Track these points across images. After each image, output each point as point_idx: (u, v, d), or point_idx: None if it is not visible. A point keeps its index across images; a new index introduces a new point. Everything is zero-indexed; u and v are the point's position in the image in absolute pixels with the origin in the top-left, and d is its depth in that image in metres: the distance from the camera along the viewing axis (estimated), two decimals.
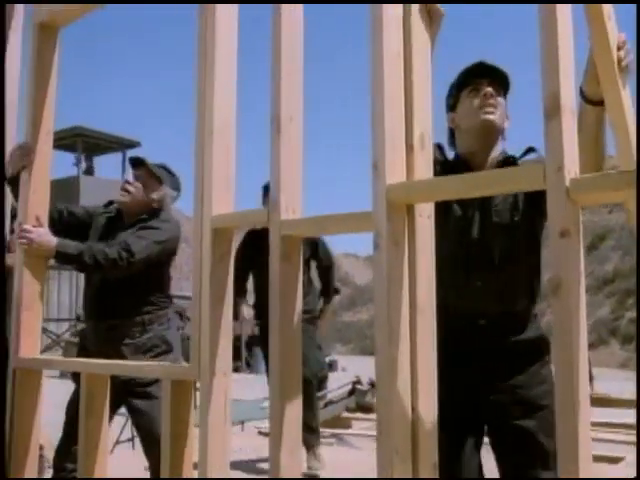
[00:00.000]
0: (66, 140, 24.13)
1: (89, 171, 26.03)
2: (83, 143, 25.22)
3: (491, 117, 2.16)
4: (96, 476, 2.34)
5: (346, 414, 7.82)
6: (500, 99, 2.20)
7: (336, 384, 9.09)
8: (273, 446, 1.79)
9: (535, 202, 2.05)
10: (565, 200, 1.29)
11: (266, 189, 4.43)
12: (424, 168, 1.68)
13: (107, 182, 22.25)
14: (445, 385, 1.68)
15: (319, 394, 8.24)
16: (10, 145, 2.76)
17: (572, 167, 1.31)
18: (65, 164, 27.46)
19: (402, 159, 1.64)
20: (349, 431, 7.06)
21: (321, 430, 6.18)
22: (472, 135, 2.21)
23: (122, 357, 3.10)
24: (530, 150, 2.20)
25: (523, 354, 2.16)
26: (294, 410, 1.82)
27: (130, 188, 3.29)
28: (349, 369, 16.49)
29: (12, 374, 2.59)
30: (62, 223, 3.24)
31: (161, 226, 3.27)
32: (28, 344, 2.59)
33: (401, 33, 1.69)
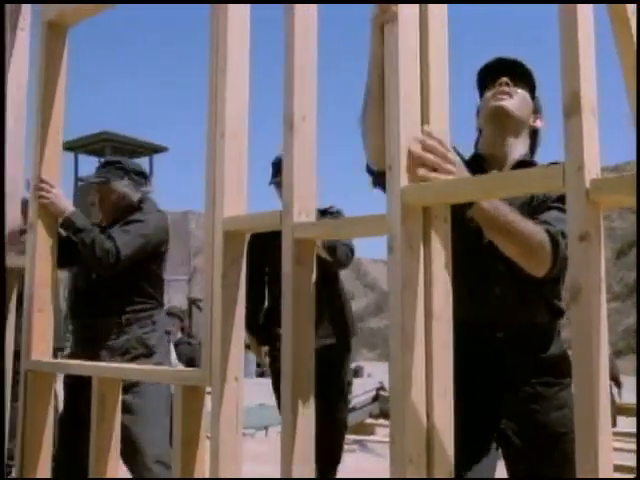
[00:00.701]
0: (94, 145, 24.37)
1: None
2: (111, 148, 25.43)
3: (501, 103, 2.02)
4: None
5: (369, 420, 7.76)
6: (519, 90, 2.06)
7: (361, 390, 9.02)
8: (285, 459, 1.74)
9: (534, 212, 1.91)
10: (585, 202, 1.23)
11: (275, 166, 3.82)
12: None
13: None
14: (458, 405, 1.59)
15: None
16: (16, 151, 2.76)
17: (593, 167, 1.25)
18: (92, 169, 27.65)
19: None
20: (372, 437, 7.01)
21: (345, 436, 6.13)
22: (486, 127, 2.10)
23: (99, 359, 2.97)
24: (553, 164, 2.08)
25: (544, 374, 2.02)
26: (307, 420, 1.77)
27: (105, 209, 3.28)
28: (375, 375, 16.42)
29: (24, 377, 2.57)
30: None
31: (144, 218, 3.16)
32: (40, 347, 2.57)
33: (417, 30, 1.64)
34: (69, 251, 3.00)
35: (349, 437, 6.32)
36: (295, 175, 1.79)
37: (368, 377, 16.63)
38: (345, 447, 5.69)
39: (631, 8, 1.59)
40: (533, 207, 1.92)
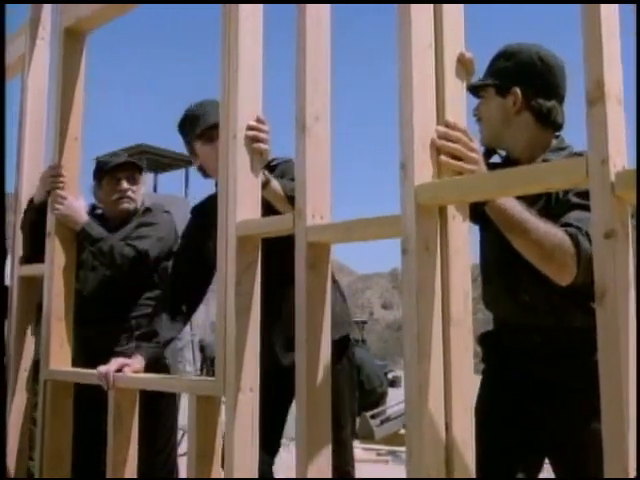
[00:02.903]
0: (132, 158, 24.62)
1: (153, 188, 26.50)
2: (147, 160, 25.64)
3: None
4: None
5: (404, 431, 7.64)
6: (482, 104, 1.97)
7: (395, 400, 8.90)
8: (300, 471, 1.67)
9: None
10: (610, 196, 1.14)
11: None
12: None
13: (168, 198, 22.52)
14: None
15: (377, 410, 8.09)
16: (35, 156, 2.72)
17: (618, 159, 1.16)
18: None
19: (434, 158, 1.51)
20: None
21: (378, 447, 6.03)
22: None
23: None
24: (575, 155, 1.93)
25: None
26: (323, 431, 1.69)
27: (133, 195, 3.02)
28: None
29: (43, 386, 2.54)
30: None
31: (157, 220, 3.01)
32: (59, 355, 2.53)
33: (432, 23, 1.56)
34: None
35: (383, 448, 6.22)
36: (308, 177, 1.72)
37: None
38: (378, 458, 5.60)
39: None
40: (553, 208, 1.81)
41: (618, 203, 1.15)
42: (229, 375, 1.88)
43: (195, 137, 2.45)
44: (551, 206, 1.83)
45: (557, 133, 2.00)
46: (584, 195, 1.64)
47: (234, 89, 1.93)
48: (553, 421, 1.92)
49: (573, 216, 1.72)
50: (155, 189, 26.64)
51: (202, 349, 18.33)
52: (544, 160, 1.89)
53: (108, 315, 2.85)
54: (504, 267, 1.94)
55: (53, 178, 2.63)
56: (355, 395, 2.63)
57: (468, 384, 1.50)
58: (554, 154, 1.94)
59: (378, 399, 9.10)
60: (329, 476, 1.72)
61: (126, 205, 2.98)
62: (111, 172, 2.94)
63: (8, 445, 2.80)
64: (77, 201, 2.71)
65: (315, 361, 1.69)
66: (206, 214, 2.52)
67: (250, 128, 1.93)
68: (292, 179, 2.11)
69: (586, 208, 1.48)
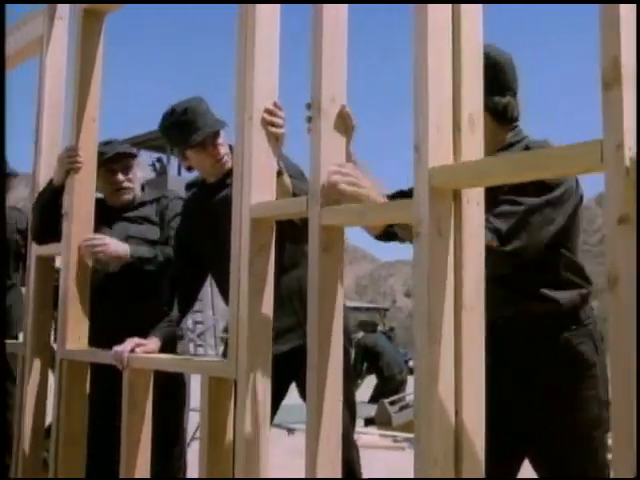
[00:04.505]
0: (156, 142, 24.73)
1: (178, 172, 26.56)
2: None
3: None
4: (137, 474, 2.27)
5: None
6: None
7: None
8: (310, 460, 1.67)
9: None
10: (624, 181, 1.12)
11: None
12: (473, 153, 1.51)
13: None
14: None
15: (396, 397, 8.08)
16: (52, 136, 2.71)
17: (633, 144, 1.13)
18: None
19: (448, 141, 1.49)
20: None
21: (395, 434, 6.02)
22: None
23: None
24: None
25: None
26: (333, 418, 1.69)
27: (129, 185, 2.96)
28: None
29: (59, 365, 2.56)
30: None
31: (170, 205, 2.99)
32: (75, 335, 2.55)
33: (449, 6, 1.53)
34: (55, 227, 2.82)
35: (400, 434, 6.22)
36: (322, 159, 1.71)
37: None
38: (395, 445, 5.59)
39: None
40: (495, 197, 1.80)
41: (632, 189, 1.12)
42: (241, 357, 1.88)
43: (187, 147, 2.49)
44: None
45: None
46: (516, 189, 1.74)
47: (250, 68, 1.91)
48: (525, 408, 1.94)
49: (500, 210, 1.79)
50: (179, 173, 26.73)
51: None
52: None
53: (131, 295, 2.85)
54: None
55: (70, 159, 2.64)
56: (351, 382, 2.65)
57: (479, 370, 1.49)
58: (509, 151, 1.92)
59: (397, 386, 9.08)
60: (339, 466, 1.71)
61: (125, 197, 2.98)
62: (105, 164, 2.92)
63: (23, 426, 2.83)
64: (108, 237, 2.72)
65: (327, 346, 1.68)
66: (199, 204, 2.60)
67: (267, 112, 1.92)
68: (291, 175, 2.19)
69: (516, 203, 1.73)
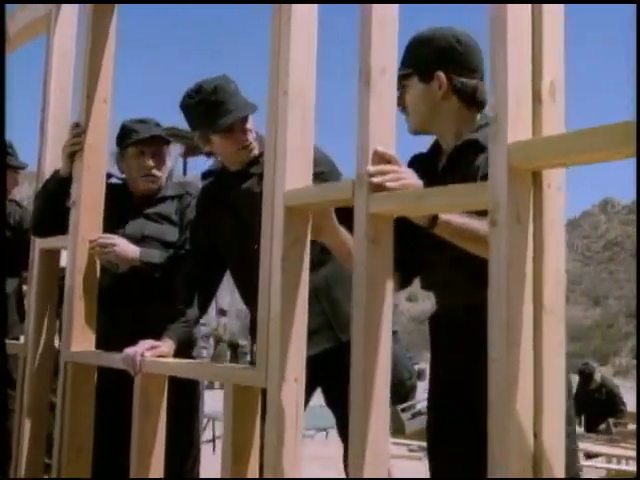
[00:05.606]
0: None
1: (183, 172, 26.34)
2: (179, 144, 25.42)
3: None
4: None
5: None
6: (407, 92, 1.91)
7: (425, 394, 8.67)
8: (355, 464, 1.46)
9: None
10: None
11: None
12: (554, 126, 1.30)
13: (196, 182, 22.37)
14: None
15: (407, 404, 7.87)
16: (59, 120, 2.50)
17: None
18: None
19: (528, 113, 1.28)
20: None
21: (408, 442, 5.80)
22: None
23: None
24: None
25: None
26: (380, 418, 1.47)
27: (158, 173, 2.68)
28: None
29: (64, 369, 2.35)
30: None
31: (193, 204, 2.70)
32: (81, 337, 2.34)
33: None
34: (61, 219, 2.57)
35: (413, 443, 6.00)
36: (372, 136, 1.50)
37: None
38: (410, 454, 5.37)
39: None
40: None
41: None
42: (272, 363, 1.66)
43: (213, 130, 2.28)
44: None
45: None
46: None
47: (285, 38, 1.70)
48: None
49: None
50: (185, 172, 26.52)
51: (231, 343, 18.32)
52: (469, 139, 1.85)
53: (143, 296, 2.60)
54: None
55: (73, 139, 2.42)
56: None
57: (560, 379, 1.28)
58: (479, 133, 1.85)
59: (408, 392, 8.82)
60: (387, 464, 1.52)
61: (150, 185, 2.70)
62: (136, 145, 2.65)
63: (23, 432, 2.63)
64: (119, 238, 2.50)
65: (374, 352, 1.47)
66: (218, 191, 2.40)
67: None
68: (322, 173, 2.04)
69: None
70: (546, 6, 1.32)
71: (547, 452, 1.25)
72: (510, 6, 1.29)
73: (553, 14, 1.33)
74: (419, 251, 1.91)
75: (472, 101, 1.90)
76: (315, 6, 1.77)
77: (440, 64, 1.87)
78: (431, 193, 1.43)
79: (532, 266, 1.25)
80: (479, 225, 1.58)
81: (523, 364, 1.22)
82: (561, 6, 1.35)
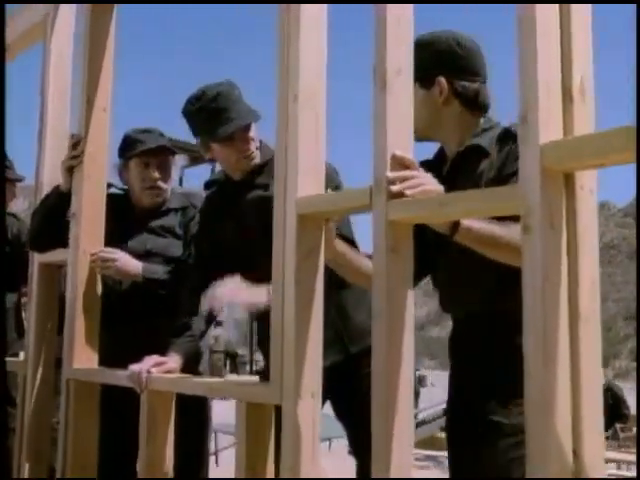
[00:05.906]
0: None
1: (179, 182, 26.26)
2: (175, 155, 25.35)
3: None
4: None
5: (442, 434, 7.31)
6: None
7: (428, 400, 8.62)
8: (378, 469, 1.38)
9: None
10: None
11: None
12: (585, 126, 1.23)
13: (193, 192, 22.35)
14: None
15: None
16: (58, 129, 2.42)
17: None
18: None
19: (558, 112, 1.21)
20: (445, 453, 6.57)
21: (415, 451, 5.72)
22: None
23: None
24: None
25: None
26: (404, 431, 1.40)
27: (164, 186, 2.59)
28: (437, 384, 16.01)
29: (65, 386, 2.26)
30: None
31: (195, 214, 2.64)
32: (83, 353, 2.26)
33: None
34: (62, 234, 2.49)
35: (420, 452, 5.91)
36: (389, 140, 1.43)
37: (432, 386, 16.20)
38: (416, 463, 5.29)
39: None
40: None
41: None
42: (287, 379, 1.58)
43: (213, 139, 2.23)
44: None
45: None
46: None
47: (295, 38, 1.63)
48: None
49: None
50: (181, 183, 26.46)
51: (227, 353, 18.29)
52: (471, 145, 1.81)
53: (147, 311, 2.51)
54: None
55: (72, 152, 2.34)
56: None
57: (598, 394, 1.20)
58: (482, 137, 1.82)
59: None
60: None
61: (156, 199, 2.60)
62: (140, 156, 2.56)
63: (22, 450, 2.55)
64: (121, 252, 2.42)
65: (396, 365, 1.40)
66: (222, 199, 2.34)
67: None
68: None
69: None
70: (574, 6, 1.26)
71: (587, 469, 1.17)
72: (539, 6, 1.22)
73: (581, 14, 1.27)
74: (428, 252, 1.84)
75: (474, 105, 1.86)
76: (325, 6, 1.70)
77: (441, 68, 1.84)
78: (454, 199, 1.36)
79: (567, 274, 1.18)
80: (500, 230, 1.53)
81: (561, 379, 1.15)
82: (589, 6, 1.29)
